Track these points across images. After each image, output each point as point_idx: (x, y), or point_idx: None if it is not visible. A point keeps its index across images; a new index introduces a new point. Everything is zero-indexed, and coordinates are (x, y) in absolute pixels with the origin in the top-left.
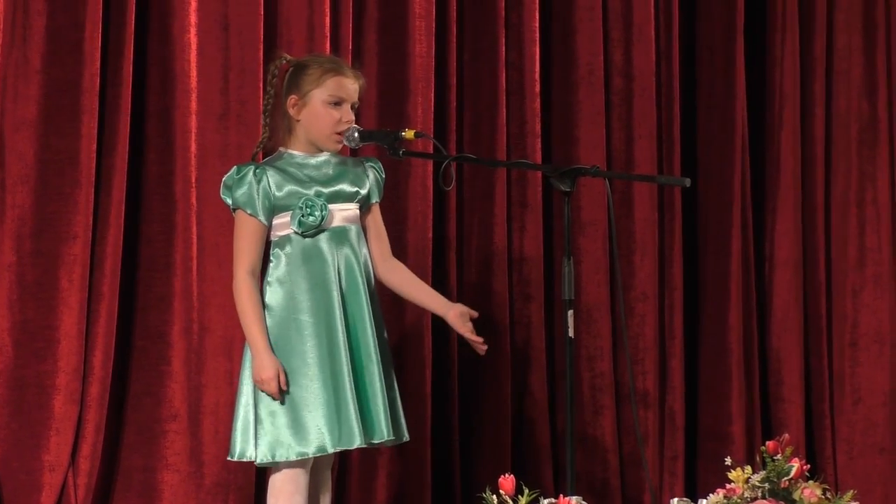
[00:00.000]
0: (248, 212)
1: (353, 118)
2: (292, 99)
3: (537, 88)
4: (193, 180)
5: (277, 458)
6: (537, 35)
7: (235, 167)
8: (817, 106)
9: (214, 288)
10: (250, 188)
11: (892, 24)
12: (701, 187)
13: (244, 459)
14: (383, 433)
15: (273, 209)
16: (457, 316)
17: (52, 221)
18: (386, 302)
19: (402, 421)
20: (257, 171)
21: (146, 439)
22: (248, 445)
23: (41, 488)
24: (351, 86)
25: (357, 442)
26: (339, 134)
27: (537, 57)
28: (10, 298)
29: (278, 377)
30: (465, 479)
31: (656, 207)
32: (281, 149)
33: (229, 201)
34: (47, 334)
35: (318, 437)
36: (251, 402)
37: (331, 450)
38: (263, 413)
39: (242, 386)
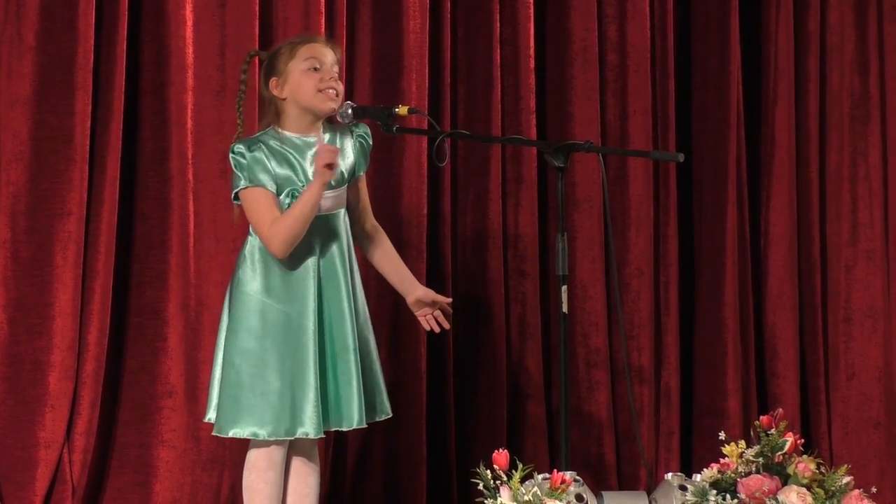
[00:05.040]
0: (269, 188)
1: (338, 80)
2: (273, 82)
3: (532, 64)
4: (190, 156)
5: (222, 433)
6: (532, 11)
7: (243, 145)
8: (811, 82)
9: (213, 264)
10: (264, 165)
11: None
12: (696, 163)
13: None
14: (352, 421)
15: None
16: (413, 301)
17: (47, 198)
18: (381, 277)
19: (384, 398)
20: (257, 146)
21: (142, 416)
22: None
23: (37, 465)
24: (323, 49)
25: (306, 432)
26: (325, 92)
27: (532, 33)
28: (5, 275)
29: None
30: (460, 454)
31: (651, 183)
32: (274, 126)
33: (243, 184)
34: (42, 311)
35: (257, 421)
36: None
37: (265, 436)
38: (222, 385)
39: (218, 354)
